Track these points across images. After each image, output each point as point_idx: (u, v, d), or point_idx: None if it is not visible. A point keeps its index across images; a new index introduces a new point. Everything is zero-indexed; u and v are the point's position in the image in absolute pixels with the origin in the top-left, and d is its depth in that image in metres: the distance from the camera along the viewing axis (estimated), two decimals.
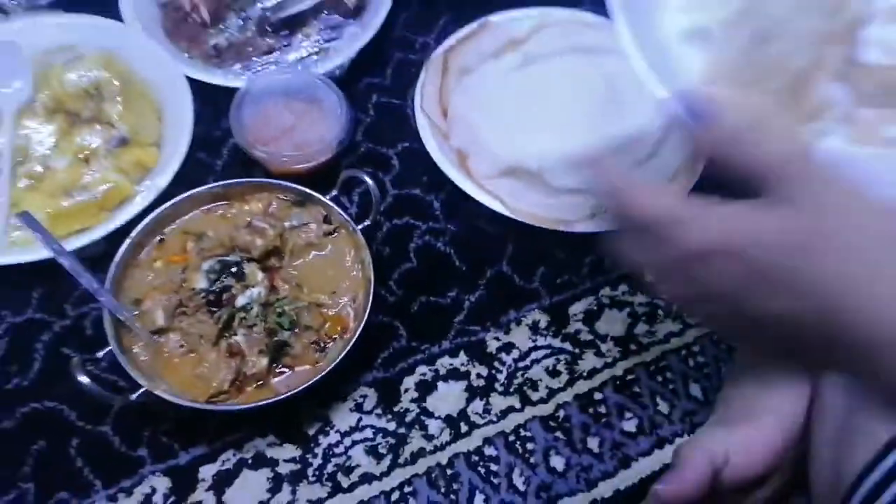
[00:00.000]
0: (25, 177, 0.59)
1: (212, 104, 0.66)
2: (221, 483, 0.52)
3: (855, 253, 0.26)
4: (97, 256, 0.56)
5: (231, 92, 0.63)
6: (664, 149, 0.66)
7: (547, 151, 0.64)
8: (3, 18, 0.70)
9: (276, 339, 0.52)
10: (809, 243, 0.27)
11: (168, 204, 0.56)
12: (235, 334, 0.52)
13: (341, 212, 0.57)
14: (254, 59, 0.69)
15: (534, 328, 0.60)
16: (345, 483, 0.53)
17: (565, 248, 0.63)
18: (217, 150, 0.66)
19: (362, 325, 0.52)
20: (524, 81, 0.68)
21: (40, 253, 0.54)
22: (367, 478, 0.53)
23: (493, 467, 0.54)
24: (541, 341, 0.59)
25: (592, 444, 0.55)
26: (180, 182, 0.60)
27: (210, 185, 0.58)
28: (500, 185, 0.63)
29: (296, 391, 0.49)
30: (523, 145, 0.64)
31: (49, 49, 0.64)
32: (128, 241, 0.54)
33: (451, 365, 0.58)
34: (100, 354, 0.49)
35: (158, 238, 0.56)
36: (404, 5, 0.76)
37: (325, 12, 0.71)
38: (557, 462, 0.54)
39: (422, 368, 0.58)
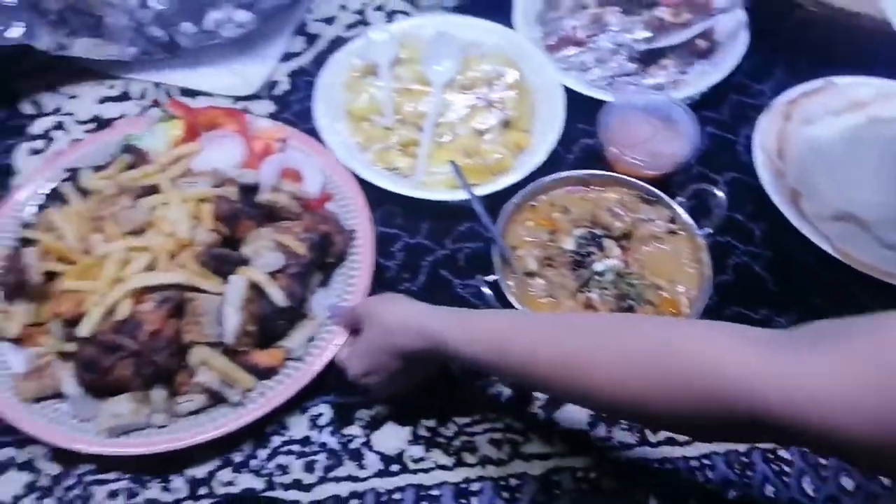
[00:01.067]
0: (437, 136, 0.76)
1: (571, 107, 0.79)
2: None
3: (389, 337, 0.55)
4: None
5: (588, 99, 0.76)
6: None
7: (880, 206, 0.69)
8: (417, 11, 0.89)
9: (623, 304, 0.62)
10: (381, 341, 0.55)
11: (548, 178, 0.70)
12: (591, 292, 0.63)
13: (687, 216, 0.67)
14: (615, 77, 0.81)
15: None
16: None
17: (884, 299, 0.66)
18: (569, 145, 0.79)
19: (699, 313, 0.61)
20: (865, 140, 0.74)
21: (449, 194, 0.70)
22: None
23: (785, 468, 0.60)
24: None
25: None
26: (541, 165, 0.73)
27: (581, 171, 0.70)
28: (830, 227, 0.68)
29: None
30: (858, 197, 0.70)
31: (464, 42, 0.81)
32: (513, 200, 0.68)
33: None
34: (489, 279, 0.63)
35: (531, 203, 0.70)
36: (746, 55, 0.84)
37: (682, 50, 0.82)
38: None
39: None
